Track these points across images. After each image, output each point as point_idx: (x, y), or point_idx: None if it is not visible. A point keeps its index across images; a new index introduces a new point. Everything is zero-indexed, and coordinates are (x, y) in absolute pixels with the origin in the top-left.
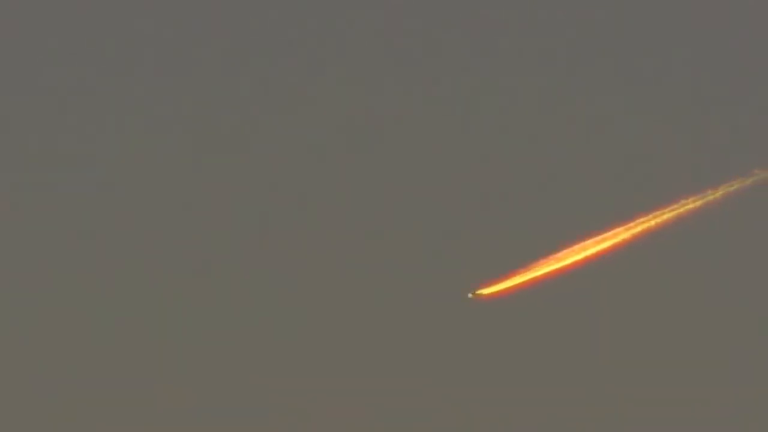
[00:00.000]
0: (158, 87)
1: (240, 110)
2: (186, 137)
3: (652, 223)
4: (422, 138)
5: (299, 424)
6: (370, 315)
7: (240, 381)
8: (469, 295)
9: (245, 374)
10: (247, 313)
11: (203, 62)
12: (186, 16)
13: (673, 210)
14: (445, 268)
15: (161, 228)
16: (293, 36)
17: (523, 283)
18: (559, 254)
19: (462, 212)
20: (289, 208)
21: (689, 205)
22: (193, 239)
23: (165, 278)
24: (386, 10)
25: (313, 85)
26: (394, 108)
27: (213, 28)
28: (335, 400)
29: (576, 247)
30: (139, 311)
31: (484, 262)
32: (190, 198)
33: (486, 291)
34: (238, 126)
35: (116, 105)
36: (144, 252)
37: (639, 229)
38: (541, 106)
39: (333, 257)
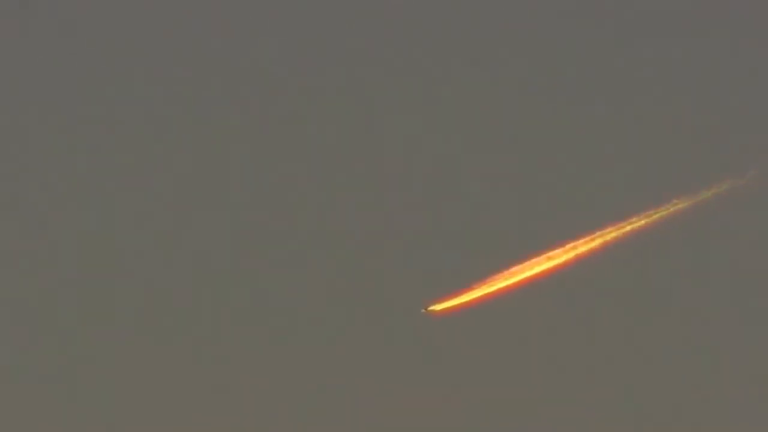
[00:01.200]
0: (158, 87)
1: (236, 110)
2: (184, 137)
3: (643, 222)
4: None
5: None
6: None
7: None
8: (423, 311)
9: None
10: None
11: (202, 62)
12: (186, 16)
13: (665, 210)
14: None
15: (160, 228)
16: (293, 36)
17: (480, 297)
18: (550, 254)
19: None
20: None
21: (681, 205)
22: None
23: (164, 278)
24: (386, 11)
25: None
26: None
27: (213, 29)
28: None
29: (566, 247)
30: (138, 311)
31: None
32: (185, 198)
33: (439, 307)
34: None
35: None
36: (143, 252)
37: (629, 228)
38: (532, 106)
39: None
